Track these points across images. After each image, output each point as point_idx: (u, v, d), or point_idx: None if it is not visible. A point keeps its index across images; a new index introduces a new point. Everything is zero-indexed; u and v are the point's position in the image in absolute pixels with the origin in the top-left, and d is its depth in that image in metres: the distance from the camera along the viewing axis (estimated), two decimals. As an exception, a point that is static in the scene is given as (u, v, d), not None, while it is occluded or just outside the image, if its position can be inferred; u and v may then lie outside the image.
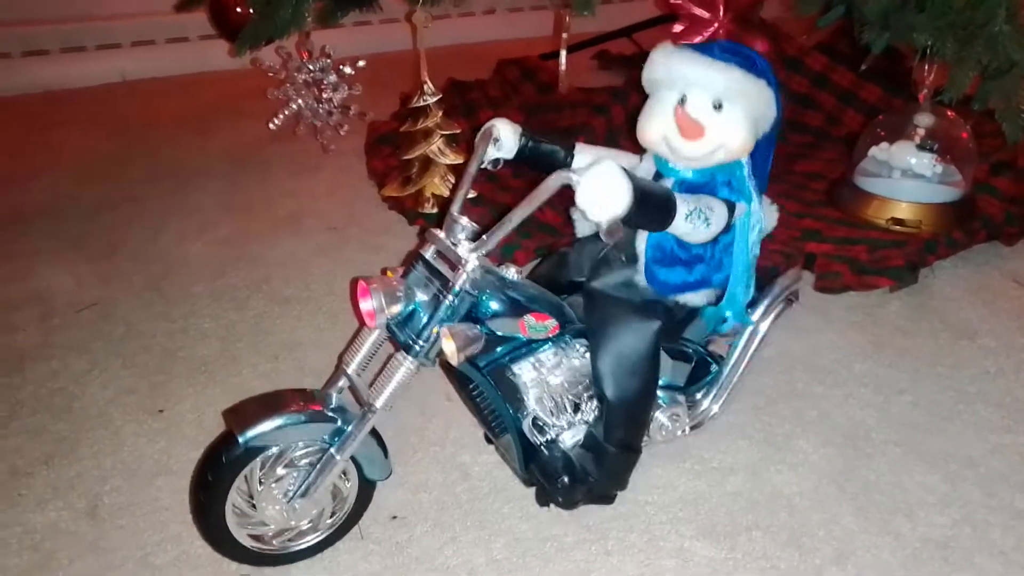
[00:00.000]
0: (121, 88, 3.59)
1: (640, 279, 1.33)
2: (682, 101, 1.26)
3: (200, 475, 1.24)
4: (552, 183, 1.10)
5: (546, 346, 1.33)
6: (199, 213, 2.49)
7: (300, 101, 2.45)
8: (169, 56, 3.75)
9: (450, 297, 1.16)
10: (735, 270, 1.35)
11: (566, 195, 1.11)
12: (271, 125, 2.42)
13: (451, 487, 1.49)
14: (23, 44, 3.57)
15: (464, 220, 1.18)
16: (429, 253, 1.23)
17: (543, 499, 1.41)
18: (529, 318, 1.23)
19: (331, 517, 1.34)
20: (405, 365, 1.19)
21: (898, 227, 2.21)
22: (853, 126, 2.72)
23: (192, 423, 1.64)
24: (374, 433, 1.28)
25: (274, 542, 1.31)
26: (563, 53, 2.28)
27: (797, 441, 1.57)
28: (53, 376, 1.78)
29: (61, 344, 1.89)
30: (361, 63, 2.42)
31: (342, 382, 1.29)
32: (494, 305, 1.20)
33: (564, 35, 2.19)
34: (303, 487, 1.26)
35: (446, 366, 1.31)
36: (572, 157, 1.40)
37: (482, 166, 1.33)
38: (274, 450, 1.24)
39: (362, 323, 1.23)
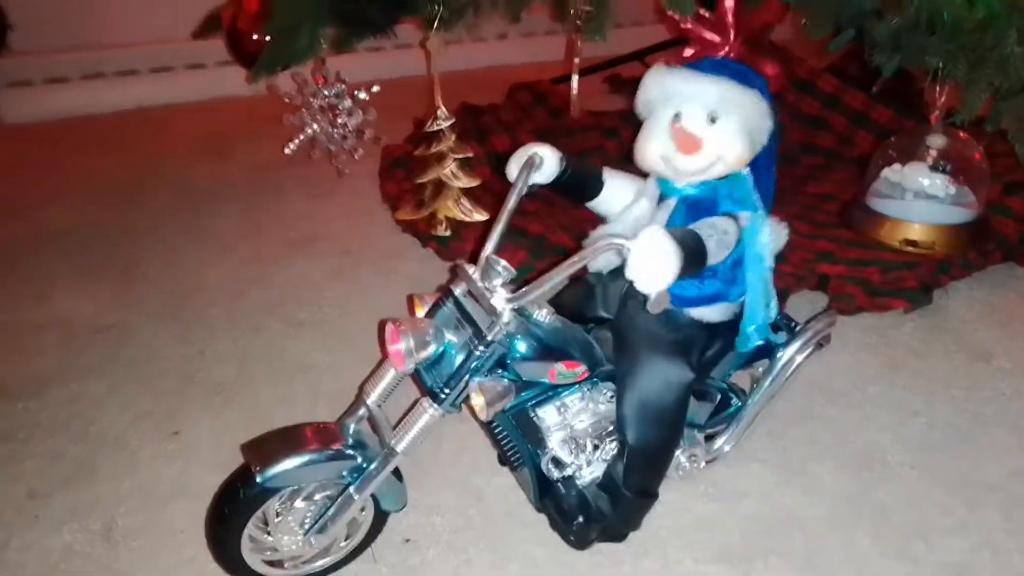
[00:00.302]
0: (139, 114, 3.65)
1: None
2: (677, 117, 1.26)
3: (217, 508, 1.24)
4: (601, 247, 1.08)
5: (572, 390, 1.30)
6: (216, 237, 2.52)
7: (315, 126, 2.48)
8: (186, 83, 3.82)
9: (482, 348, 1.13)
10: (750, 280, 1.32)
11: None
12: (287, 150, 2.45)
13: (464, 510, 1.48)
14: (44, 72, 3.64)
15: (502, 265, 1.13)
16: (460, 291, 1.20)
17: (556, 526, 1.39)
18: (559, 366, 1.20)
19: (344, 541, 1.34)
20: (429, 412, 1.17)
21: (911, 248, 2.20)
22: (865, 147, 2.73)
23: (208, 446, 1.65)
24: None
25: (286, 565, 1.31)
26: (575, 77, 2.30)
27: (812, 464, 1.56)
28: (71, 400, 1.80)
29: (80, 367, 1.91)
30: (375, 88, 2.44)
31: (362, 411, 1.28)
32: (523, 348, 1.17)
33: (576, 59, 2.21)
34: (320, 523, 1.25)
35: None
36: (603, 184, 1.38)
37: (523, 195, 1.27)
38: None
39: (385, 357, 1.21)
